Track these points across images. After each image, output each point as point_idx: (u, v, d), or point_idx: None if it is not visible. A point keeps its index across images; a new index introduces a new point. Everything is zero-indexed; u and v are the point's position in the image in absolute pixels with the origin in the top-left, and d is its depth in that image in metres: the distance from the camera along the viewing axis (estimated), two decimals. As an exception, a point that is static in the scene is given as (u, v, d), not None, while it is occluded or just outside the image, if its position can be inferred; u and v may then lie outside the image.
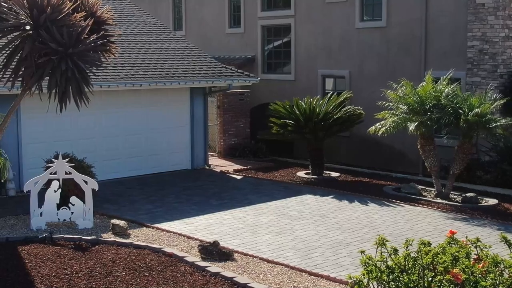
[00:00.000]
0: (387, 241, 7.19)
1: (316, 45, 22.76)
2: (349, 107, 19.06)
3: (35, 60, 9.01)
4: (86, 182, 13.33)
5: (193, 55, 20.27)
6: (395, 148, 20.50)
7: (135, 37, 20.15)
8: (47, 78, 9.33)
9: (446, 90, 16.09)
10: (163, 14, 27.81)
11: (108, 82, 16.96)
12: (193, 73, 19.10)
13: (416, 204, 15.48)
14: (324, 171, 19.08)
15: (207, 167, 20.13)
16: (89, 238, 12.26)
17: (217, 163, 20.83)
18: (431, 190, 16.88)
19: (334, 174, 19.19)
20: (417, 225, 13.66)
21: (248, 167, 20.13)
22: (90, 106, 17.77)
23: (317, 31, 22.68)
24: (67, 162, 13.37)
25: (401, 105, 16.52)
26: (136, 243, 11.98)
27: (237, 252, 11.68)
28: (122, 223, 12.90)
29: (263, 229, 13.32)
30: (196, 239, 12.46)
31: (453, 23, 19.29)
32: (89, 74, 9.58)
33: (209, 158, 20.78)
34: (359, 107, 19.18)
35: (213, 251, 11.33)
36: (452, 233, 7.84)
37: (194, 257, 11.20)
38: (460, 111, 15.47)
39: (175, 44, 20.60)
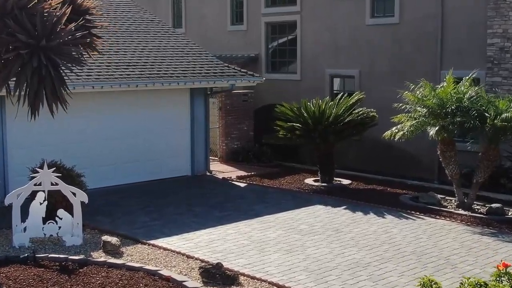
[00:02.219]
0: (435, 283, 5.83)
1: (324, 43, 21.47)
2: (360, 109, 17.74)
3: (1, 56, 7.64)
4: (74, 194, 12.02)
5: (193, 54, 18.96)
6: (408, 152, 19.19)
7: (131, 34, 18.83)
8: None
9: (469, 91, 14.77)
10: (162, 11, 26.52)
11: (101, 82, 15.64)
12: (193, 72, 17.78)
13: (438, 216, 14.17)
14: (334, 178, 17.78)
15: (208, 173, 18.83)
16: (76, 258, 10.94)
17: (219, 169, 19.53)
18: (451, 200, 15.58)
19: (345, 181, 17.88)
20: (442, 242, 12.34)
21: (253, 173, 18.83)
22: (83, 108, 16.74)
23: (324, 28, 21.39)
24: (54, 171, 12.08)
25: (419, 108, 15.22)
26: (130, 264, 10.66)
27: (243, 274, 10.37)
28: (114, 240, 11.59)
29: (271, 246, 12.00)
30: (196, 259, 11.15)
31: (471, 19, 17.99)
32: (68, 73, 8.14)
33: (211, 163, 19.48)
34: (372, 109, 17.86)
35: (216, 274, 10.03)
36: (506, 266, 6.51)
37: (194, 282, 9.90)
38: (486, 114, 14.16)
39: (174, 42, 19.28)
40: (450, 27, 18.40)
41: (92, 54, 8.95)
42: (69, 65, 7.93)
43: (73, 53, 7.82)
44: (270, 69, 23.44)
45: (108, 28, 16.53)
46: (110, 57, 16.94)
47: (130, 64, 17.01)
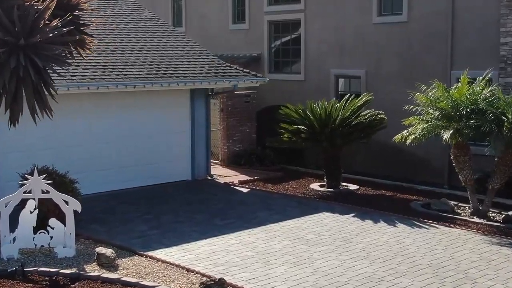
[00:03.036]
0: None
1: (329, 42, 20.72)
2: (368, 111, 16.98)
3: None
4: (67, 203, 11.25)
5: (194, 53, 18.19)
6: (417, 156, 18.44)
7: (129, 33, 18.07)
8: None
9: (484, 92, 14.02)
10: (161, 10, 25.77)
11: (96, 83, 14.88)
12: (194, 72, 17.01)
13: (452, 225, 13.41)
14: (341, 183, 17.03)
15: (209, 178, 18.07)
16: (68, 272, 10.20)
17: (221, 173, 18.77)
18: (465, 207, 14.82)
19: (352, 187, 17.11)
20: (458, 253, 11.58)
21: (255, 177, 18.07)
22: (78, 110, 16.02)
23: (329, 26, 20.65)
24: (45, 177, 11.32)
25: (431, 110, 14.47)
26: (125, 279, 9.92)
27: (247, 291, 9.62)
28: (109, 252, 10.82)
29: (276, 258, 11.24)
30: (197, 273, 10.39)
31: (483, 17, 17.24)
32: (51, 74, 7.32)
33: (212, 167, 18.72)
34: (380, 111, 17.10)
35: (219, 291, 9.28)
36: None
37: (195, 299, 9.15)
38: (503, 117, 13.40)
39: (173, 41, 18.52)
40: (461, 25, 17.65)
41: (84, 54, 8.08)
42: (53, 65, 7.07)
43: (57, 52, 6.96)
44: (273, 69, 22.71)
45: (101, 24, 15.79)
46: (107, 57, 16.18)
47: (128, 63, 16.25)
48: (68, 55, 7.56)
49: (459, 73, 17.05)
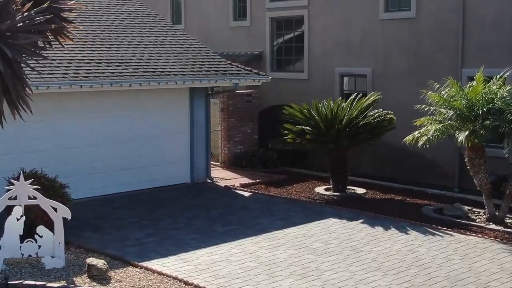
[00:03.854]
0: None
1: (333, 39, 19.92)
2: (376, 111, 16.17)
3: None
4: (56, 209, 10.44)
5: (193, 50, 17.37)
6: (426, 158, 17.64)
7: (125, 29, 17.25)
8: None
9: (501, 91, 13.21)
10: (160, 6, 24.94)
11: (90, 81, 14.06)
12: (193, 70, 16.19)
13: (468, 232, 12.60)
14: (347, 186, 16.23)
15: (209, 181, 17.26)
16: (56, 285, 9.28)
17: (221, 175, 17.96)
18: (479, 212, 14.03)
19: (360, 190, 16.30)
20: (477, 264, 10.76)
21: (258, 180, 17.26)
22: (71, 110, 15.21)
23: (334, 23, 19.85)
24: (33, 182, 10.51)
25: (443, 110, 13.66)
26: (117, 293, 9.11)
27: (250, 307, 8.81)
28: (100, 263, 10.00)
29: (282, 269, 10.42)
30: (195, 286, 9.58)
31: (497, 13, 16.43)
32: (24, 68, 6.45)
33: (212, 169, 17.91)
34: (389, 111, 16.30)
35: (219, 307, 8.47)
36: None
37: (193, 317, 8.34)
38: (523, 118, 12.61)
39: (172, 38, 17.71)
40: (473, 21, 16.83)
41: (68, 45, 7.23)
42: (26, 58, 6.20)
43: (31, 41, 6.09)
44: (275, 68, 21.91)
45: (86, 10, 14.92)
46: (101, 53, 15.37)
47: (123, 61, 15.43)
48: (46, 46, 6.67)
49: (470, 72, 16.35)
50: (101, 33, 16.38)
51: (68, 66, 14.21)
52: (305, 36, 20.84)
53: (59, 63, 14.18)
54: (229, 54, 21.76)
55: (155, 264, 10.58)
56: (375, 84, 18.80)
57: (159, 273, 10.14)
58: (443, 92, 13.73)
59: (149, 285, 9.68)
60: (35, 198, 10.39)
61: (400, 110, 16.86)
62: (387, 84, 18.49)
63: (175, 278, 9.92)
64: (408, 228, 12.85)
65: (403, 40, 18.29)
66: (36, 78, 13.24)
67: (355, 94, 16.88)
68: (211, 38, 22.62)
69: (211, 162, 18.09)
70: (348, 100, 16.18)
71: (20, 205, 10.40)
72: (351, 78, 19.92)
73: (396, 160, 18.24)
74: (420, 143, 13.57)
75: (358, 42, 19.32)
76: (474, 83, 13.46)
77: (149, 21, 18.17)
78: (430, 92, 13.86)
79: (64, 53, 14.67)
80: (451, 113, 13.44)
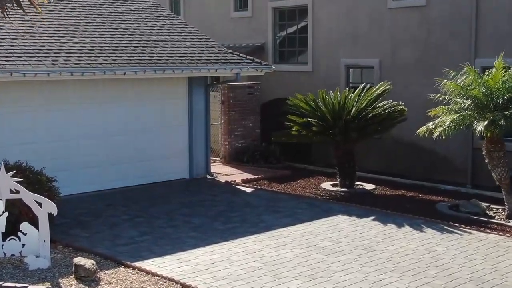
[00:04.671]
0: None
1: (339, 29, 19.02)
2: (385, 102, 15.25)
3: None
4: (40, 204, 9.52)
5: (192, 38, 16.45)
6: (437, 152, 16.75)
7: (120, 15, 16.32)
8: None
9: (521, 78, 12.32)
10: (158, -3, 24.03)
11: (81, 68, 13.12)
12: (192, 59, 15.26)
13: (488, 230, 11.68)
14: (355, 182, 15.33)
15: (209, 176, 16.33)
16: (39, 287, 8.46)
17: (222, 171, 17.04)
18: (497, 209, 13.13)
19: (368, 186, 15.39)
20: (502, 264, 9.85)
21: (260, 176, 16.35)
22: (61, 100, 14.25)
23: (340, 12, 18.96)
24: (16, 175, 9.63)
25: (459, 99, 12.76)
26: (107, 296, 8.20)
27: (255, 312, 7.90)
28: (89, 263, 9.07)
29: (288, 270, 9.50)
30: (194, 289, 8.68)
31: (513, -1, 15.55)
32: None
33: (212, 164, 16.98)
34: (400, 102, 15.39)
35: (220, 313, 7.55)
36: None
37: (191, 324, 7.42)
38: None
39: (170, 25, 16.78)
40: (487, 8, 15.95)
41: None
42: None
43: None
44: (277, 60, 21.01)
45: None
46: (94, 40, 14.44)
47: (118, 48, 14.50)
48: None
49: (484, 61, 15.56)
50: (94, 20, 15.47)
51: (58, 53, 13.29)
52: (309, 27, 19.97)
53: (48, 50, 13.27)
54: (230, 46, 20.75)
55: (150, 264, 9.67)
56: (382, 75, 17.89)
57: (154, 274, 9.22)
58: (459, 81, 12.83)
59: (142, 287, 8.76)
60: (17, 192, 9.49)
61: (409, 103, 15.98)
62: (396, 75, 17.58)
63: (171, 280, 9.00)
64: (423, 226, 11.93)
65: (413, 29, 17.40)
66: (23, 64, 12.41)
67: (363, 84, 15.98)
68: (211, 30, 21.70)
69: (211, 158, 17.19)
70: (357, 90, 15.26)
71: (1, 199, 9.52)
72: (358, 70, 19.04)
73: (404, 155, 17.38)
74: (435, 134, 12.65)
75: (365, 32, 18.42)
76: (494, 70, 12.54)
77: (145, 8, 17.25)
78: (446, 80, 12.94)
79: (54, 39, 13.81)
80: (468, 103, 12.53)
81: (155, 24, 16.52)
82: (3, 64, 12.12)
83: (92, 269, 8.98)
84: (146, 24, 16.36)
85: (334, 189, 15.06)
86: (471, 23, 16.21)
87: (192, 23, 21.27)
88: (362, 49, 18.55)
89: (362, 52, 18.56)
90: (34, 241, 9.67)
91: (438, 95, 13.20)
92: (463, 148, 16.31)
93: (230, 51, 16.61)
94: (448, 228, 11.78)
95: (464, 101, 12.67)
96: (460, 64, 13.51)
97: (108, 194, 14.19)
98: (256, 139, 18.81)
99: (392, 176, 16.77)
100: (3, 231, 9.73)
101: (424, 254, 10.30)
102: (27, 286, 8.52)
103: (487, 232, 11.55)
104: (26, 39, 13.39)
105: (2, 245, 9.71)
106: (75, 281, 8.93)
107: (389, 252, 10.38)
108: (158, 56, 14.75)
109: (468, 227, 11.83)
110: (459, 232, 11.58)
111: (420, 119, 15.28)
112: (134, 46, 14.87)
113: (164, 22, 16.86)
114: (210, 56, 15.67)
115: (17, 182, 9.52)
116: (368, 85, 15.80)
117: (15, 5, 5.85)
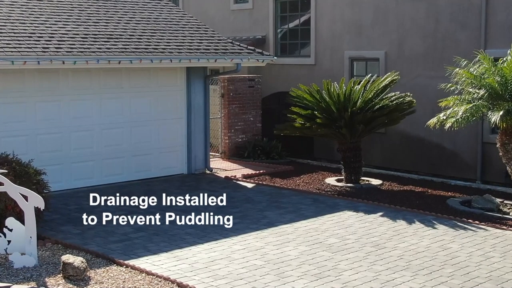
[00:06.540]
0: None
1: (343, 20, 18.37)
2: (393, 93, 14.61)
3: None
4: (26, 198, 8.87)
5: (191, 28, 15.79)
6: (445, 147, 16.10)
7: (115, 3, 15.68)
8: None
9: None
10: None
11: (73, 56, 12.46)
12: (190, 48, 14.60)
13: (504, 227, 11.03)
14: (361, 177, 14.67)
15: (208, 172, 15.69)
16: (23, 287, 7.81)
17: (222, 166, 16.40)
18: (511, 205, 12.47)
19: (375, 182, 14.74)
20: (522, 262, 9.21)
21: (262, 171, 15.70)
22: (53, 90, 13.54)
23: (343, 3, 18.33)
24: (0, 166, 8.98)
25: (471, 89, 12.11)
26: (96, 297, 7.54)
27: (257, 314, 7.23)
28: (78, 261, 8.41)
29: (292, 268, 8.85)
30: (191, 288, 8.02)
31: (526, -14, 14.90)
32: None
33: (211, 159, 16.34)
34: (408, 93, 14.74)
35: (219, 315, 6.89)
36: None
37: (187, 328, 6.76)
38: None
39: (167, 14, 16.13)
40: (499, -3, 15.32)
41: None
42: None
43: None
44: (279, 52, 20.33)
45: None
46: (88, 28, 13.79)
47: (112, 36, 13.84)
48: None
49: (495, 52, 14.85)
50: (88, 8, 14.82)
51: (49, 41, 12.63)
52: (311, 18, 19.31)
53: (39, 37, 12.61)
54: (230, 38, 20.17)
55: (144, 262, 9.02)
56: (388, 68, 17.22)
57: (148, 273, 8.57)
58: (471, 69, 12.18)
59: (135, 287, 8.10)
60: (1, 184, 8.84)
61: (416, 96, 15.31)
62: (402, 68, 16.91)
63: (166, 279, 8.34)
64: (434, 222, 11.27)
65: (420, 19, 16.74)
66: (12, 52, 11.75)
67: (369, 75, 15.33)
68: (210, 22, 21.03)
69: (210, 153, 16.54)
70: (363, 81, 14.60)
71: (-15, 193, 8.88)
72: (362, 62, 18.37)
73: (411, 150, 16.74)
74: (447, 125, 11.99)
75: (370, 22, 17.77)
76: (509, 57, 11.89)
77: (142, -4, 16.63)
78: (458, 69, 12.29)
79: (46, 27, 13.16)
80: (482, 92, 11.88)
81: (152, 12, 15.87)
82: (-10, 52, 11.48)
83: (82, 268, 8.32)
84: (143, 12, 15.71)
85: (339, 184, 14.40)
86: (481, 13, 15.57)
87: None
88: (366, 40, 17.90)
89: (367, 44, 17.91)
90: (21, 238, 9.03)
91: (450, 84, 12.56)
92: (472, 143, 15.69)
93: (230, 40, 15.96)
94: (461, 225, 11.13)
95: (477, 90, 12.03)
96: (473, 51, 12.85)
97: (102, 190, 13.39)
98: (257, 133, 18.17)
99: (398, 171, 16.16)
100: (-13, 227, 9.10)
101: (438, 251, 9.64)
102: (10, 286, 7.86)
103: (503, 229, 10.89)
104: (15, 26, 12.75)
105: (-14, 242, 9.08)
106: (63, 280, 8.28)
107: (400, 249, 9.73)
108: (155, 45, 14.09)
109: (483, 223, 11.18)
110: (473, 228, 10.92)
111: (427, 112, 14.67)
112: (130, 35, 14.21)
113: (162, 10, 16.21)
114: (210, 46, 15.01)
115: (2, 173, 8.88)
116: (375, 76, 15.15)
117: None
